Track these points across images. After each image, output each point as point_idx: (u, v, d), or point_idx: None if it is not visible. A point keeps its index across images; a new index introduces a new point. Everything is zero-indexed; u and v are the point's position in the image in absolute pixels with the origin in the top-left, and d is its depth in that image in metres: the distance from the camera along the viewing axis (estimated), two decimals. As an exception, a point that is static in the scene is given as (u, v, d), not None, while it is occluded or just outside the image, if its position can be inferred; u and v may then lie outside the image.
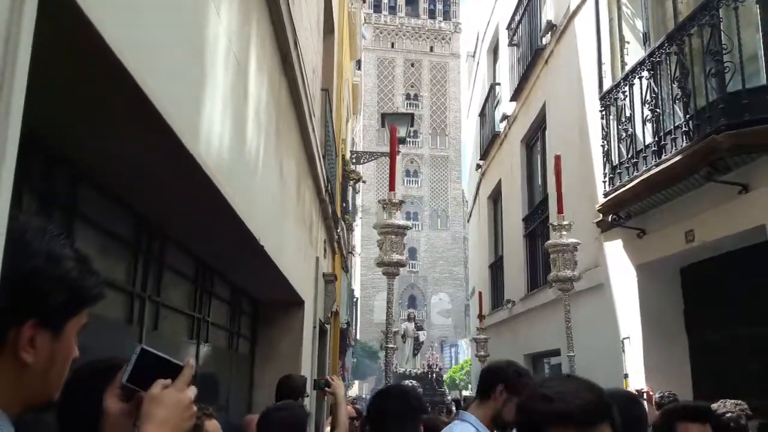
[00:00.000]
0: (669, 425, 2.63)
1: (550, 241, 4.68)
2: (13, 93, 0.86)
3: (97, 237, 2.63)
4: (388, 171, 3.99)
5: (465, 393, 36.37)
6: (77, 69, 1.59)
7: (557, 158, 5.04)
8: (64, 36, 1.39)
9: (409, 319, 25.46)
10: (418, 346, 23.45)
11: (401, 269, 3.80)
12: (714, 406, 3.73)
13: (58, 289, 0.98)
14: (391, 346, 3.74)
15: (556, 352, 9.61)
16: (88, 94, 1.73)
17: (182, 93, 2.13)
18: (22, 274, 0.93)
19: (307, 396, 5.25)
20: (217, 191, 2.57)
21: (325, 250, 8.88)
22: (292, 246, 5.30)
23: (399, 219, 3.74)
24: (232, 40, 2.74)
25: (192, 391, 1.24)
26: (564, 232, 4.53)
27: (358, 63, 24.84)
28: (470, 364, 28.40)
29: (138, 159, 2.19)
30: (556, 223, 4.65)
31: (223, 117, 2.68)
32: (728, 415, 3.56)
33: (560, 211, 4.70)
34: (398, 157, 14.65)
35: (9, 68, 0.85)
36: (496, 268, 14.11)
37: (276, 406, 2.89)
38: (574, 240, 4.56)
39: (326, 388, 4.34)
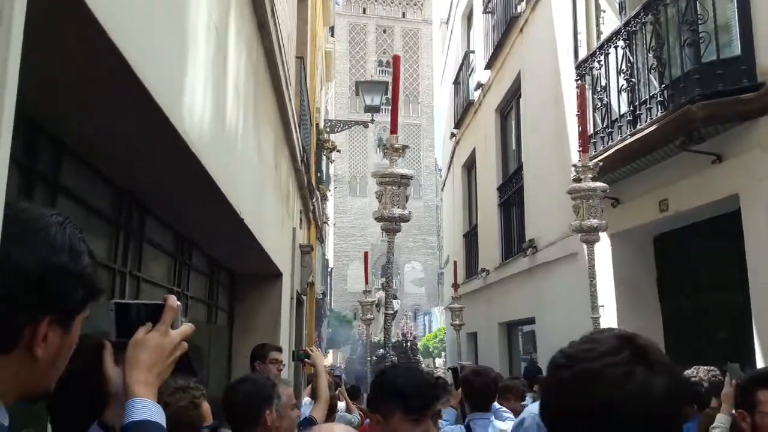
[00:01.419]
0: (750, 393, 2.53)
1: (572, 186, 4.03)
2: (7, 74, 0.81)
3: (80, 212, 2.57)
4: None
5: (438, 360, 36.79)
6: (62, 39, 1.53)
7: (582, 87, 4.34)
8: (48, 4, 1.33)
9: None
10: (392, 314, 23.58)
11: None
12: (687, 372, 3.87)
13: (78, 286, 0.96)
14: (390, 312, 3.39)
15: (530, 321, 9.76)
16: (74, 65, 1.67)
17: (166, 64, 2.07)
18: (47, 271, 0.90)
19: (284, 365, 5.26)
20: (199, 163, 2.53)
21: (301, 221, 8.84)
22: (270, 218, 5.26)
23: (401, 168, 3.16)
24: (212, 7, 2.66)
25: (180, 332, 1.22)
26: (590, 176, 3.91)
27: (332, 30, 24.45)
28: (444, 333, 28.74)
29: (122, 132, 2.14)
30: (579, 165, 4.00)
31: (205, 88, 2.62)
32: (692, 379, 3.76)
33: (585, 150, 4.11)
34: (370, 126, 14.57)
35: (3, 46, 0.81)
36: (471, 237, 14.20)
37: (239, 379, 2.84)
38: (600, 183, 3.96)
39: (306, 359, 4.37)
